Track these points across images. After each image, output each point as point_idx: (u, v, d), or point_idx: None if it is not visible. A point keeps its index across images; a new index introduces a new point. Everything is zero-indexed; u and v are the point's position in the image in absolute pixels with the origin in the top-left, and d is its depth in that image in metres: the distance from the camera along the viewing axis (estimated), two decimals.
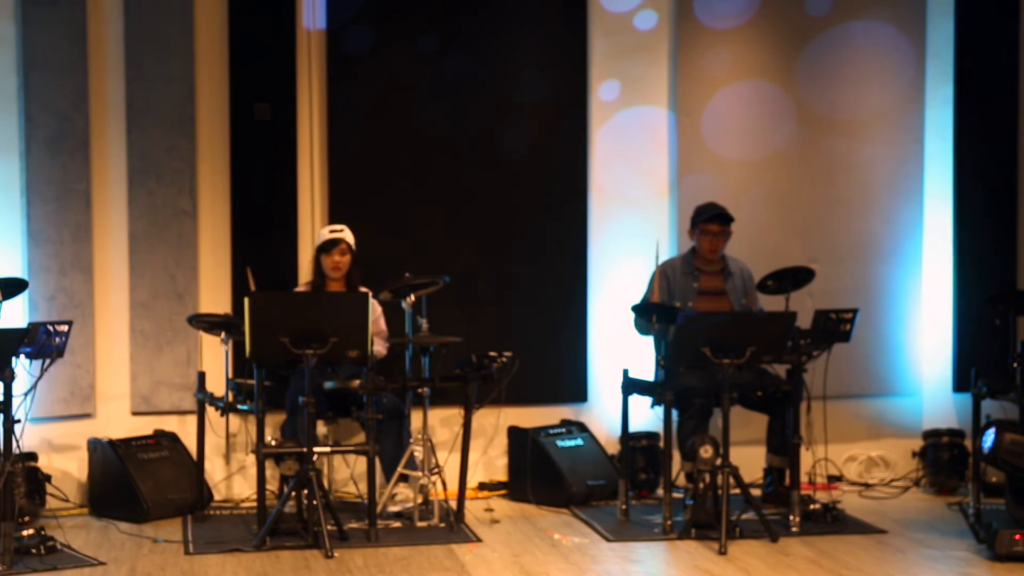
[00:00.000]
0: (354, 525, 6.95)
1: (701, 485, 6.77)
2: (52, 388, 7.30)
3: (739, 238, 7.70)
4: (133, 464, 7.27)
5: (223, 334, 7.15)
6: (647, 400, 7.17)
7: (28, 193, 7.41)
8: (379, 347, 7.38)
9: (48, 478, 7.19)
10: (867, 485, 8.18)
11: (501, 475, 8.02)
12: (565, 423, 8.00)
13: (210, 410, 7.33)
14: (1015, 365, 6.72)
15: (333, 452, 7.34)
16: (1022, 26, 8.42)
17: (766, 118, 8.23)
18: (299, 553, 6.48)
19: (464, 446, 7.17)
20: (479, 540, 6.79)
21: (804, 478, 7.32)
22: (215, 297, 7.76)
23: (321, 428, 7.37)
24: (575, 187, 8.13)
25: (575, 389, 8.15)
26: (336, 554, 6.42)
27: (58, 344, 6.25)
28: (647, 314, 7.06)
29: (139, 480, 7.22)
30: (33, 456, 7.17)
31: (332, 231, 7.41)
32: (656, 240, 7.55)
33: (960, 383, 8.21)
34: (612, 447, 7.90)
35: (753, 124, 8.23)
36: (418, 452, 7.09)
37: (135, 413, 7.70)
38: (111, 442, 7.33)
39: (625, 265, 8.10)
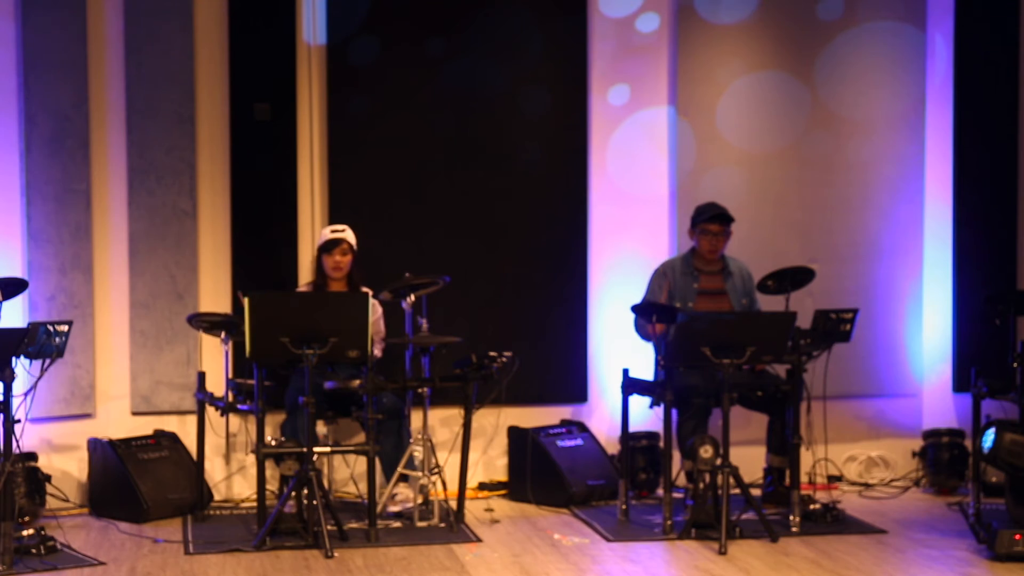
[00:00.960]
0: (354, 525, 6.95)
1: (701, 485, 6.77)
2: (52, 388, 7.30)
3: (739, 238, 7.70)
4: (133, 464, 7.27)
5: (223, 334, 7.15)
6: (647, 400, 7.17)
7: (28, 193, 7.41)
8: (375, 349, 7.37)
9: (48, 478, 7.19)
10: (867, 485, 8.18)
11: (501, 475, 8.02)
12: (565, 423, 8.00)
13: (210, 410, 7.33)
14: (1015, 365, 6.72)
15: (333, 452, 7.34)
16: (1022, 26, 8.42)
17: (766, 118, 8.23)
18: (299, 553, 6.48)
19: (464, 446, 7.17)
20: (479, 540, 6.80)
21: (804, 478, 7.32)
22: (215, 297, 7.76)
23: (321, 428, 7.37)
24: (575, 187, 8.13)
25: (575, 389, 8.15)
26: (336, 554, 6.42)
27: (58, 344, 6.24)
28: (647, 314, 7.06)
29: (139, 480, 7.22)
30: (33, 456, 7.16)
31: (333, 231, 7.41)
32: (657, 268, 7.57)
33: (960, 383, 8.21)
34: (612, 447, 7.90)
35: (753, 124, 8.23)
36: (418, 452, 7.09)
37: (135, 413, 7.70)
38: (111, 442, 7.33)
39: (625, 265, 8.10)
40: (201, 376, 7.32)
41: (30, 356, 6.19)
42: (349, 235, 7.40)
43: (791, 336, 6.94)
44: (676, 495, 7.16)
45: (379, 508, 7.03)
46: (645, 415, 7.58)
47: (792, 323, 6.91)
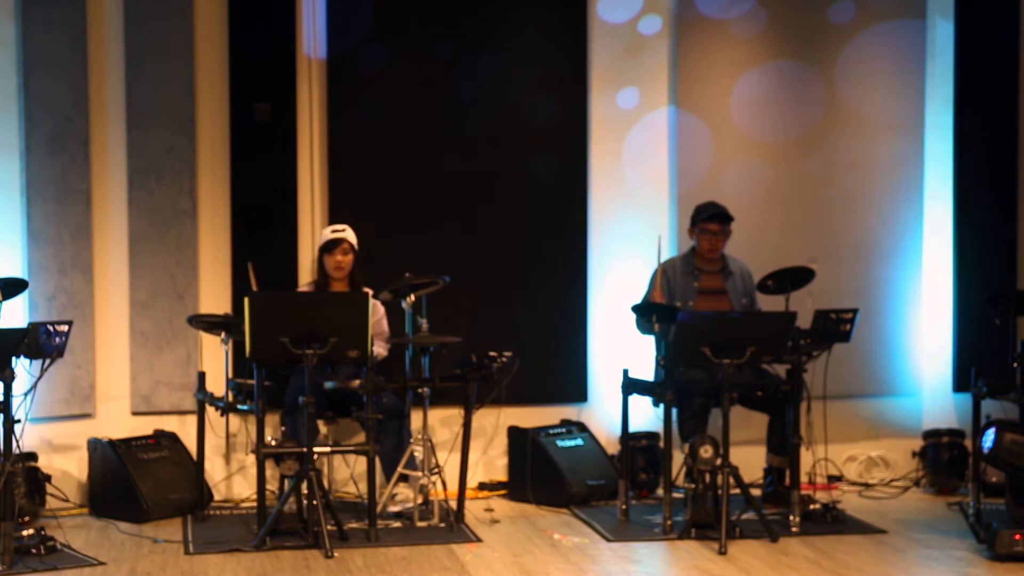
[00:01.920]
0: (354, 525, 6.95)
1: (701, 485, 6.77)
2: (52, 388, 7.30)
3: (739, 238, 7.70)
4: (133, 464, 7.27)
5: (223, 334, 7.15)
6: (647, 400, 7.17)
7: (28, 193, 7.41)
8: (380, 349, 7.38)
9: (48, 478, 7.19)
10: (867, 485, 8.19)
11: (501, 475, 8.02)
12: (565, 423, 8.00)
13: (210, 410, 7.33)
14: (1015, 365, 6.72)
15: (333, 452, 7.34)
16: (1022, 26, 8.42)
17: (767, 118, 8.23)
18: (299, 553, 6.48)
19: (464, 446, 7.17)
20: (479, 540, 6.80)
21: (804, 478, 7.32)
22: (215, 297, 7.76)
23: (321, 428, 7.37)
24: (575, 187, 8.13)
25: (575, 389, 8.15)
26: (336, 554, 6.42)
27: (58, 344, 6.24)
28: (647, 314, 7.06)
29: (139, 480, 7.22)
30: (33, 456, 7.16)
31: (334, 231, 7.41)
32: (658, 235, 7.56)
33: (960, 383, 8.21)
34: (612, 447, 7.90)
35: (753, 124, 8.23)
36: (418, 452, 7.09)
37: (135, 413, 7.70)
38: (111, 442, 7.33)
39: (625, 265, 8.10)
40: (201, 376, 7.32)
41: (30, 356, 6.19)
42: (350, 235, 7.41)
43: (791, 336, 6.94)
44: (676, 495, 7.16)
45: (379, 508, 7.03)
46: (645, 415, 7.57)
47: (792, 323, 6.91)
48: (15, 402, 6.16)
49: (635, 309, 7.16)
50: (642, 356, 7.54)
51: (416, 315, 7.11)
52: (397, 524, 7.08)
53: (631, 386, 7.26)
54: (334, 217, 7.76)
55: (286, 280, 7.77)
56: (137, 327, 7.69)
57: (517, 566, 6.32)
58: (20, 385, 6.21)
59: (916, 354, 8.39)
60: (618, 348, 7.98)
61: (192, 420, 7.45)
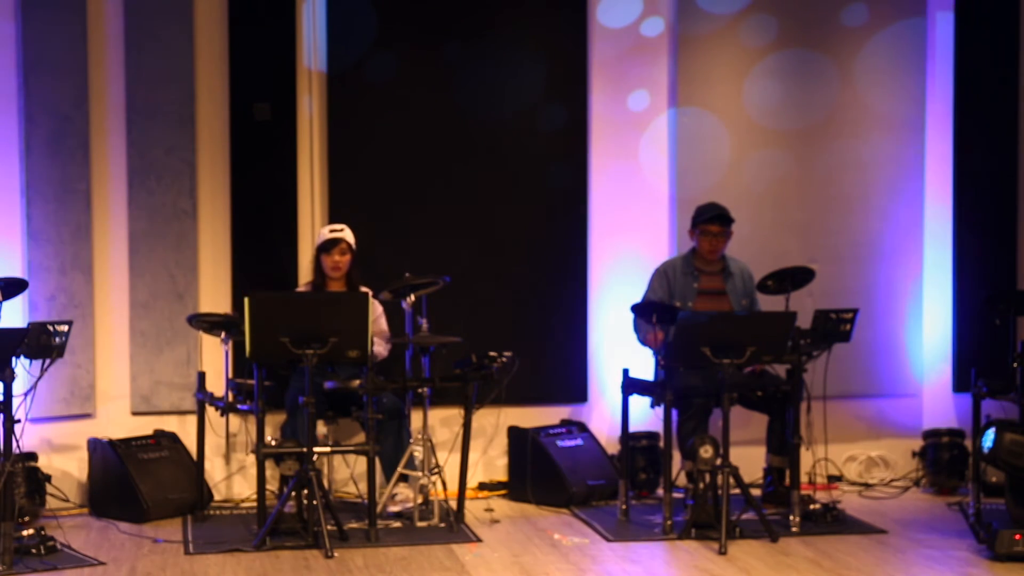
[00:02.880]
0: (354, 525, 6.95)
1: (701, 485, 6.77)
2: (52, 388, 7.30)
3: (739, 238, 7.70)
4: (133, 464, 7.27)
5: (223, 334, 7.15)
6: (647, 400, 7.17)
7: (28, 193, 7.41)
8: (380, 348, 7.38)
9: (48, 478, 7.19)
10: (867, 485, 8.19)
11: (501, 475, 8.02)
12: (565, 423, 8.00)
13: (210, 410, 7.33)
14: (1015, 365, 6.72)
15: (333, 452, 7.34)
16: (1022, 26, 8.42)
17: (766, 117, 8.23)
18: (299, 553, 6.48)
19: (464, 446, 7.17)
20: (479, 540, 6.80)
21: (804, 478, 7.32)
22: (215, 297, 7.76)
23: (321, 428, 7.37)
24: (575, 187, 8.13)
25: (575, 389, 8.15)
26: (336, 554, 6.42)
27: (58, 344, 6.24)
28: (647, 314, 7.06)
29: (139, 480, 7.22)
30: (33, 456, 7.16)
31: (332, 231, 7.41)
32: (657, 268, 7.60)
33: (960, 383, 8.21)
34: (612, 447, 7.90)
35: (753, 124, 8.22)
36: (418, 452, 7.09)
37: (135, 413, 7.70)
38: (111, 442, 7.33)
39: (625, 265, 8.10)
40: (201, 376, 7.32)
41: (30, 356, 6.19)
42: (348, 235, 7.41)
43: (791, 336, 6.94)
44: (676, 495, 7.16)
45: (379, 508, 7.03)
46: (645, 415, 7.57)
47: (792, 323, 6.91)
48: (15, 402, 6.16)
49: (635, 309, 7.16)
50: (642, 356, 7.54)
51: (416, 315, 7.11)
52: (397, 524, 7.08)
53: (631, 386, 7.25)
54: (334, 217, 7.76)
55: (286, 280, 7.77)
56: (137, 327, 7.69)
57: (517, 566, 6.32)
58: (20, 385, 6.21)
59: (916, 354, 8.39)
60: (618, 348, 7.98)
61: (192, 420, 7.45)
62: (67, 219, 7.51)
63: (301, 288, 7.60)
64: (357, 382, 6.92)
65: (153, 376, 7.70)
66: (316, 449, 6.68)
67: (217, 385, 7.37)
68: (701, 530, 6.77)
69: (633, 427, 7.45)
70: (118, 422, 7.64)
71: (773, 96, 8.22)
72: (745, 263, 7.72)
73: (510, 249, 8.05)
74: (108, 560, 6.37)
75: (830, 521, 7.07)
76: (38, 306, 7.39)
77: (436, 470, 7.09)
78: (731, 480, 6.68)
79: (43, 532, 6.39)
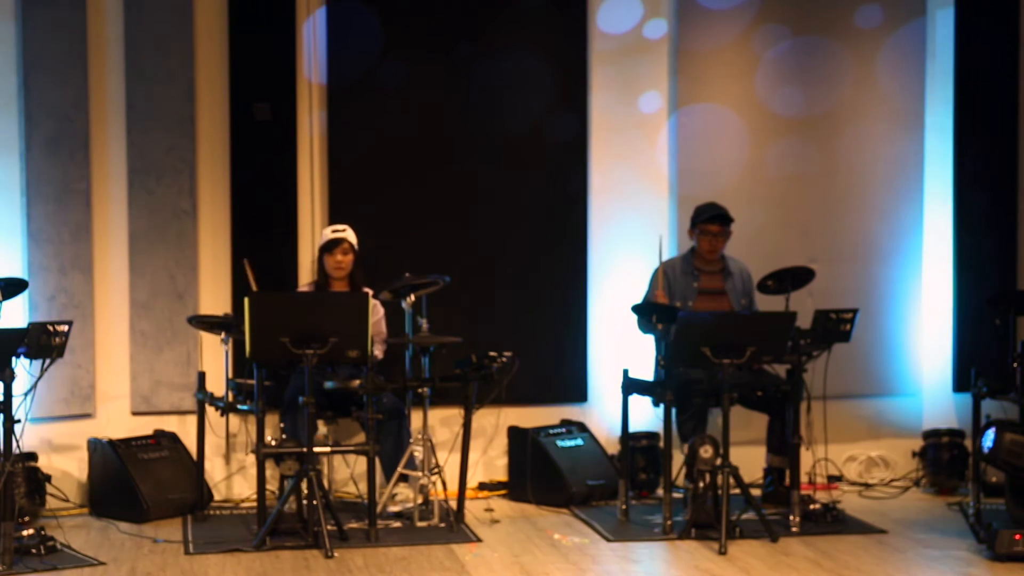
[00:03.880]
0: (354, 525, 6.95)
1: (701, 485, 6.77)
2: (52, 388, 7.30)
3: (739, 238, 7.70)
4: (133, 464, 7.27)
5: (223, 334, 7.15)
6: (647, 400, 7.17)
7: (28, 193, 7.41)
8: (377, 350, 7.36)
9: (48, 478, 7.19)
10: (867, 485, 8.19)
11: (501, 475, 8.02)
12: (565, 423, 8.00)
13: (210, 410, 7.33)
14: (1015, 365, 6.72)
15: (333, 452, 7.34)
16: (1022, 26, 8.42)
17: (767, 117, 8.23)
18: (299, 553, 6.48)
19: (464, 446, 7.17)
20: (479, 540, 6.80)
21: (804, 478, 7.32)
22: (215, 297, 7.77)
23: (321, 428, 7.37)
24: (575, 187, 8.13)
25: (575, 389, 8.16)
26: (336, 554, 6.42)
27: (58, 344, 6.24)
28: (647, 314, 7.07)
29: (139, 480, 7.22)
30: (33, 456, 7.17)
31: (334, 231, 7.41)
32: (659, 236, 7.57)
33: (960, 383, 8.22)
34: (612, 447, 7.90)
35: (754, 123, 8.23)
36: (418, 452, 7.09)
37: (135, 413, 7.70)
38: (111, 442, 7.33)
39: (625, 265, 8.11)
40: (201, 376, 7.32)
41: (30, 356, 6.19)
42: (350, 235, 7.41)
43: (791, 336, 6.94)
44: (676, 495, 7.16)
45: (379, 508, 7.03)
46: (645, 415, 7.57)
47: (792, 323, 6.91)
48: (15, 402, 6.16)
49: (635, 309, 7.16)
50: (642, 356, 7.54)
51: (416, 315, 7.11)
52: (397, 524, 7.08)
53: (631, 386, 7.26)
54: (334, 217, 7.76)
55: (286, 280, 7.77)
56: (137, 327, 7.69)
57: (517, 566, 6.33)
58: (20, 385, 6.21)
59: (916, 354, 8.39)
60: (618, 348, 7.98)
61: (192, 420, 7.45)
62: (67, 219, 7.51)
63: (302, 288, 7.60)
64: (357, 382, 6.92)
65: (153, 376, 7.70)
66: (316, 449, 6.68)
67: (217, 385, 7.37)
68: (701, 530, 6.77)
69: (633, 427, 7.45)
70: (118, 422, 7.64)
71: (773, 97, 8.22)
72: (744, 263, 7.72)
73: (510, 249, 8.05)
74: (108, 560, 6.37)
75: (830, 521, 7.07)
76: (38, 306, 7.39)
77: (436, 470, 7.09)
78: (731, 480, 6.68)
79: (43, 532, 6.39)
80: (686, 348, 6.78)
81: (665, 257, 7.52)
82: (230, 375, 7.14)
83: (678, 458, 7.27)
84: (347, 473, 7.77)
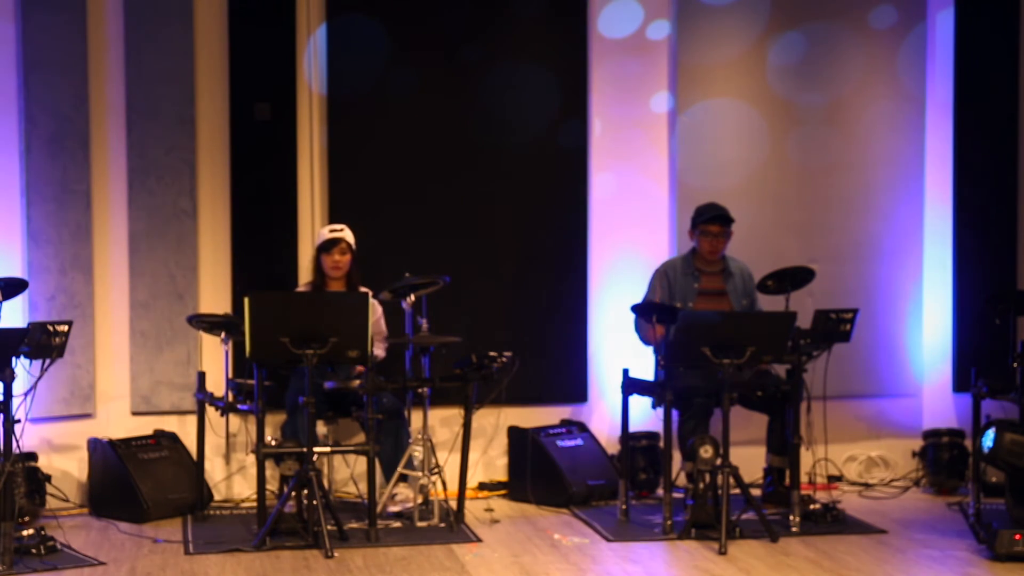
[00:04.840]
0: (354, 525, 6.95)
1: (701, 485, 6.77)
2: (52, 388, 7.30)
3: (739, 238, 7.70)
4: (133, 464, 7.27)
5: (223, 334, 7.15)
6: (647, 400, 7.17)
7: (28, 193, 7.41)
8: (378, 350, 7.37)
9: (48, 478, 7.19)
10: (867, 485, 8.18)
11: (501, 475, 8.02)
12: (565, 423, 8.00)
13: (210, 410, 7.33)
14: (1015, 365, 6.72)
15: (333, 452, 7.34)
16: (1022, 26, 8.42)
17: (766, 118, 8.23)
18: (299, 553, 6.48)
19: (464, 446, 7.17)
20: (479, 540, 6.80)
21: (804, 478, 7.32)
22: (215, 297, 7.76)
23: (321, 428, 7.36)
24: (575, 187, 8.13)
25: (575, 389, 8.15)
26: (336, 554, 6.42)
27: (58, 344, 6.24)
28: (647, 314, 7.06)
29: (139, 480, 7.22)
30: (33, 456, 7.17)
31: (332, 230, 7.41)
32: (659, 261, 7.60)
33: (960, 383, 8.21)
34: (612, 447, 7.90)
35: (753, 123, 8.22)
36: (418, 452, 7.09)
37: (135, 413, 7.70)
38: (111, 442, 7.33)
39: (625, 265, 8.10)
40: (201, 376, 7.32)
41: (30, 356, 6.19)
42: (348, 235, 7.40)
43: (791, 336, 6.94)
44: (676, 495, 7.16)
45: (379, 508, 7.03)
46: (645, 415, 7.57)
47: (792, 323, 6.91)
48: (15, 402, 6.16)
49: (635, 309, 7.16)
50: (642, 356, 7.54)
51: (416, 315, 7.11)
52: (397, 524, 7.08)
53: (631, 386, 7.25)
54: (334, 217, 7.76)
55: (286, 280, 7.77)
56: (137, 327, 7.69)
57: (517, 566, 6.32)
58: (20, 385, 6.21)
59: (916, 354, 8.39)
60: (618, 348, 7.98)
61: (192, 420, 7.45)
62: (67, 219, 7.51)
63: (301, 288, 7.60)
64: (357, 382, 6.92)
65: (153, 376, 7.70)
66: (316, 449, 6.68)
67: (217, 385, 7.37)
68: (701, 530, 6.77)
69: (633, 427, 7.45)
70: (118, 422, 7.64)
71: (773, 97, 8.22)
72: (745, 263, 7.72)
73: (510, 249, 8.05)
74: (108, 560, 6.37)
75: (830, 521, 7.07)
76: (38, 306, 7.39)
77: (436, 470, 7.09)
78: (731, 480, 6.68)
79: (43, 532, 6.39)
80: (686, 348, 6.77)
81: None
82: (230, 375, 7.14)
83: (678, 458, 7.27)
84: (347, 473, 7.77)
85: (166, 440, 7.54)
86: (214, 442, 7.55)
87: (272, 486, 7.25)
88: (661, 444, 7.26)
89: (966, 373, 7.46)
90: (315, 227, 7.80)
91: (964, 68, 8.37)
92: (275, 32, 7.80)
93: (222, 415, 7.33)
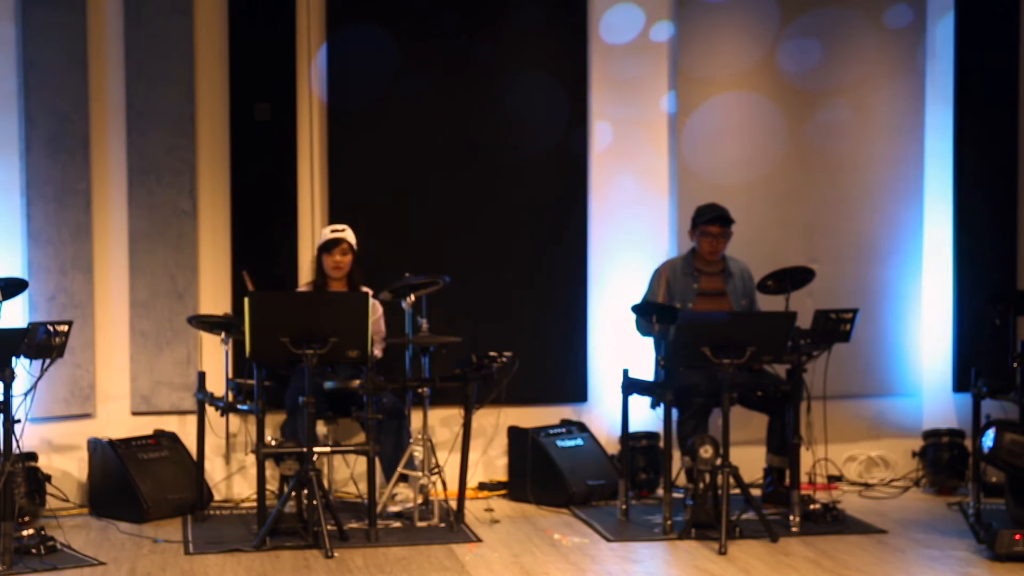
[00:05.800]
0: (354, 525, 6.95)
1: (701, 485, 6.77)
2: (52, 388, 7.30)
3: (739, 238, 7.70)
4: (133, 464, 7.27)
5: (223, 334, 7.15)
6: (647, 400, 7.17)
7: (28, 193, 7.41)
8: (375, 350, 7.36)
9: (48, 478, 7.19)
10: (867, 485, 8.19)
11: (501, 475, 8.02)
12: (565, 423, 8.00)
13: (210, 410, 7.33)
14: (1015, 365, 6.72)
15: (333, 452, 7.34)
16: (1022, 26, 8.42)
17: (766, 118, 8.23)
18: (299, 553, 6.48)
19: (464, 446, 7.17)
20: (479, 540, 6.80)
21: (804, 478, 7.32)
22: (215, 297, 7.76)
23: (321, 428, 7.37)
24: (575, 187, 8.13)
25: (575, 389, 8.16)
26: (336, 554, 6.43)
27: (58, 344, 6.24)
28: (647, 314, 7.07)
29: (139, 480, 7.22)
30: (33, 456, 7.16)
31: (333, 231, 7.41)
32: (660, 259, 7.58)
33: (960, 383, 8.21)
34: (612, 447, 7.90)
35: (753, 124, 8.23)
36: (418, 452, 7.09)
37: (135, 413, 7.70)
38: (111, 442, 7.33)
39: (625, 265, 8.10)
40: (201, 376, 7.32)
41: (30, 356, 6.19)
42: (349, 235, 7.41)
43: (791, 336, 6.94)
44: (676, 495, 7.16)
45: (379, 508, 7.03)
46: (645, 415, 7.57)
47: (792, 323, 6.91)
48: (15, 402, 6.16)
49: (635, 309, 7.16)
50: (642, 356, 7.54)
51: (416, 315, 7.12)
52: (397, 524, 7.08)
53: (631, 386, 7.26)
54: (334, 217, 7.76)
55: (286, 280, 7.77)
56: (137, 327, 7.69)
57: (517, 566, 6.33)
58: (20, 385, 6.21)
59: (916, 354, 8.39)
60: (618, 348, 7.98)
61: (192, 420, 7.45)
62: (67, 219, 7.51)
63: (301, 288, 7.60)
64: (357, 382, 6.92)
65: (153, 376, 7.70)
66: (316, 449, 6.68)
67: (217, 385, 7.37)
68: (701, 530, 6.77)
69: (633, 427, 7.45)
70: (118, 422, 7.65)
71: (773, 97, 8.22)
72: (745, 263, 7.72)
73: (510, 249, 8.05)
74: (108, 560, 6.37)
75: (830, 521, 7.07)
76: (38, 306, 7.39)
77: (436, 470, 7.09)
78: (731, 480, 6.69)
79: (43, 532, 6.39)
80: (686, 348, 6.77)
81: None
82: (230, 375, 7.14)
83: (678, 458, 7.27)
84: (347, 473, 7.77)
85: (166, 440, 7.54)
86: (214, 442, 7.55)
87: (272, 486, 7.26)
88: (661, 444, 7.26)
89: (966, 373, 7.46)
90: (315, 227, 7.80)
91: (964, 68, 8.37)
92: (275, 32, 7.80)
93: (222, 415, 7.34)
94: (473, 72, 8.00)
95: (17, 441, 6.17)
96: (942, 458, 8.05)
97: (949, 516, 7.39)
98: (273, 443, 6.79)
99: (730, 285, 7.61)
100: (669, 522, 6.88)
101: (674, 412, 7.16)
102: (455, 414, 7.59)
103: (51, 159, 7.46)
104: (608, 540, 6.82)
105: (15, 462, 6.16)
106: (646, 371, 7.40)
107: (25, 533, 6.34)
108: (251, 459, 7.40)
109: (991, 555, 6.38)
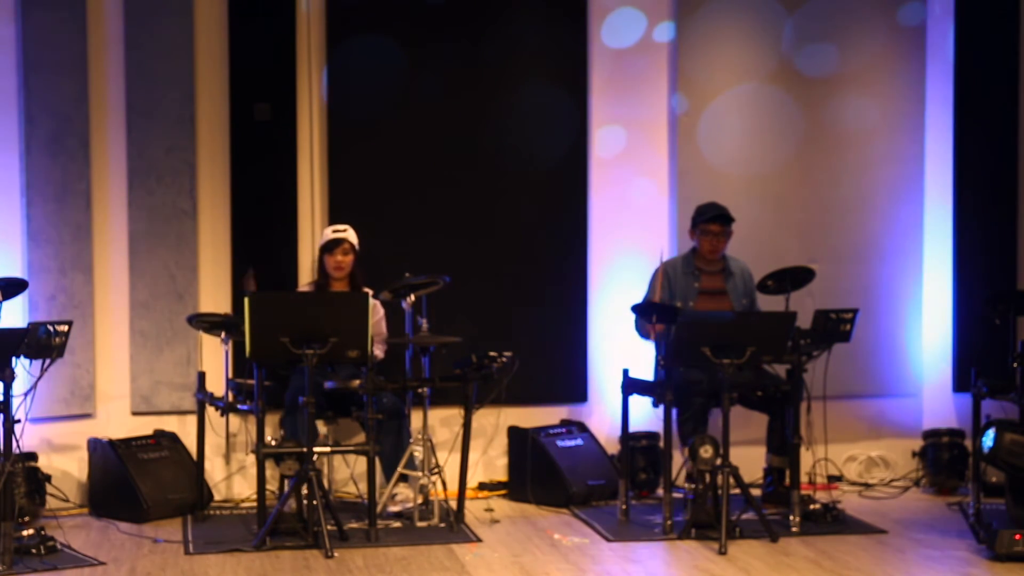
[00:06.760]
0: (354, 525, 6.95)
1: (701, 485, 6.77)
2: (52, 388, 7.30)
3: (739, 238, 7.70)
4: (133, 464, 7.27)
5: (223, 334, 7.15)
6: (647, 400, 7.17)
7: (28, 193, 7.41)
8: (376, 351, 7.36)
9: (48, 478, 7.19)
10: (867, 485, 8.19)
11: (501, 475, 8.02)
12: (565, 423, 8.00)
13: (210, 410, 7.33)
14: (1015, 365, 6.72)
15: (333, 452, 7.34)
16: (1022, 26, 8.42)
17: (766, 118, 8.23)
18: (299, 553, 6.49)
19: (464, 446, 7.17)
20: (479, 540, 6.80)
21: (804, 478, 7.32)
22: (215, 297, 7.77)
23: (321, 428, 7.37)
24: (575, 187, 8.13)
25: (575, 389, 8.15)
26: (336, 554, 6.43)
27: (58, 344, 6.24)
28: (647, 314, 7.07)
29: (139, 480, 7.22)
30: (33, 456, 7.17)
31: (335, 231, 7.41)
32: (660, 249, 7.56)
33: (960, 383, 8.21)
34: (612, 447, 7.90)
35: (753, 124, 8.23)
36: (418, 452, 7.10)
37: (135, 413, 7.70)
38: (111, 442, 7.33)
39: (625, 265, 8.10)
40: (201, 376, 7.32)
41: (30, 356, 6.19)
42: (351, 235, 7.41)
43: (791, 336, 6.94)
44: (676, 495, 7.16)
45: (379, 508, 7.03)
46: (645, 415, 7.57)
47: (792, 323, 6.91)
48: (15, 402, 6.16)
49: (635, 309, 7.16)
50: (642, 356, 7.54)
51: (416, 315, 7.12)
52: (397, 524, 7.08)
53: (631, 386, 7.26)
54: (334, 217, 7.76)
55: (286, 280, 7.77)
56: (137, 327, 7.69)
57: (517, 566, 6.33)
58: (20, 385, 6.21)
59: (916, 354, 8.39)
60: (618, 348, 7.98)
61: (192, 420, 7.45)
62: (67, 219, 7.51)
63: (302, 288, 7.60)
64: (357, 382, 6.92)
65: (153, 376, 7.70)
66: (316, 449, 6.68)
67: (217, 385, 7.37)
68: (701, 530, 6.77)
69: (633, 427, 7.45)
70: (118, 422, 7.65)
71: (773, 97, 8.22)
72: (745, 263, 7.72)
73: (510, 249, 8.05)
74: (108, 560, 6.37)
75: (830, 521, 7.07)
76: (38, 306, 7.39)
77: (436, 470, 7.09)
78: (731, 480, 6.68)
79: (43, 532, 6.39)
80: (686, 348, 6.78)
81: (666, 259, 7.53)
82: (230, 375, 7.14)
83: (678, 458, 7.27)
84: (347, 473, 7.77)
85: (166, 440, 7.54)
86: (214, 442, 7.55)
87: (272, 486, 7.26)
88: (661, 444, 7.26)
89: (966, 373, 7.46)
90: (315, 227, 7.80)
91: (964, 68, 8.37)
92: (275, 32, 7.80)
93: (222, 415, 7.34)
94: (474, 72, 8.00)
95: (17, 441, 6.17)
96: (942, 458, 8.05)
97: (949, 516, 7.39)
98: (273, 443, 6.79)
99: (730, 284, 7.61)
100: (669, 522, 6.88)
101: (674, 410, 7.15)
102: (455, 414, 7.59)
103: (51, 159, 7.46)
104: (608, 540, 6.82)
105: (15, 462, 6.16)
106: (646, 371, 7.40)
107: (25, 533, 6.34)
108: (251, 459, 7.40)
109: (991, 555, 6.38)
